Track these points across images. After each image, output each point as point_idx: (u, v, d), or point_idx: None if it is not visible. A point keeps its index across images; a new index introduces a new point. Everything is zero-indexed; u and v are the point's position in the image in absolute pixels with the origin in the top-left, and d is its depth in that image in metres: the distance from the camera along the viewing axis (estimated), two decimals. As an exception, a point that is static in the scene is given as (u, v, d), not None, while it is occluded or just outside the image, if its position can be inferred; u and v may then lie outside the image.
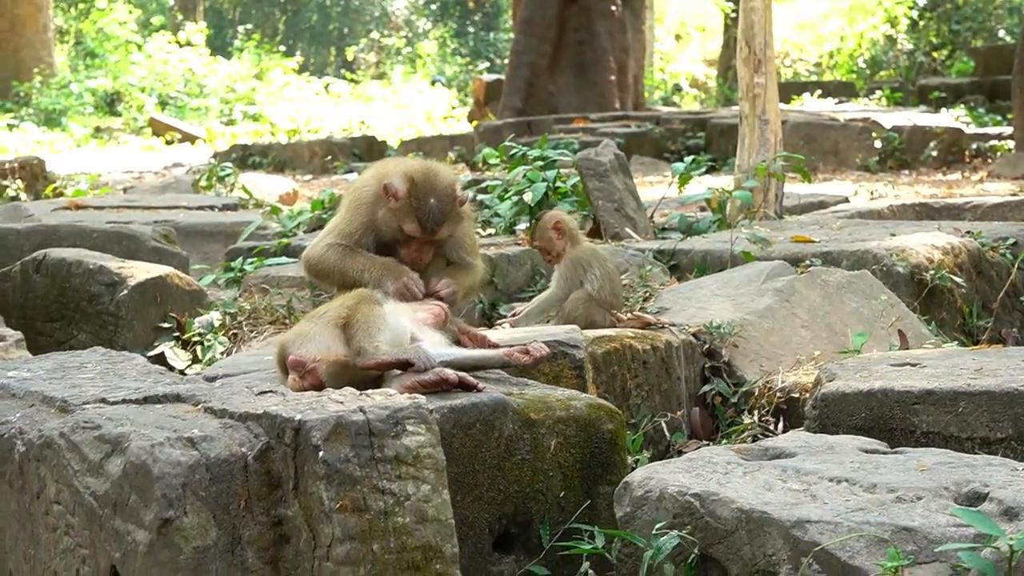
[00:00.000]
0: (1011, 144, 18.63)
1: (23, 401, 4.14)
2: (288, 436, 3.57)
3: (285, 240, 9.50)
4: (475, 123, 27.81)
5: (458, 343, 5.12)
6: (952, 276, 7.67)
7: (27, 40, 36.17)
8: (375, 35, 51.00)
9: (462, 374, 4.59)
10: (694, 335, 6.49)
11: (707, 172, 13.79)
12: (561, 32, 25.92)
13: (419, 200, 5.23)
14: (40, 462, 3.81)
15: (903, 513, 3.65)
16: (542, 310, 6.48)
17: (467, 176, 12.81)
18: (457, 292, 5.34)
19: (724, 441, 6.05)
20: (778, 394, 6.16)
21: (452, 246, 5.45)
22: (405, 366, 4.58)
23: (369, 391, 3.90)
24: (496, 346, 5.13)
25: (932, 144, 18.99)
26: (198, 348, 7.27)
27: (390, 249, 5.36)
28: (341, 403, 3.71)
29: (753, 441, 5.57)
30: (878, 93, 27.80)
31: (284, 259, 8.96)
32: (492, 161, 10.75)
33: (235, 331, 7.35)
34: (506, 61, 31.90)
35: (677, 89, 41.62)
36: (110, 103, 36.72)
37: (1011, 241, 8.41)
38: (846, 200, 12.68)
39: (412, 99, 40.08)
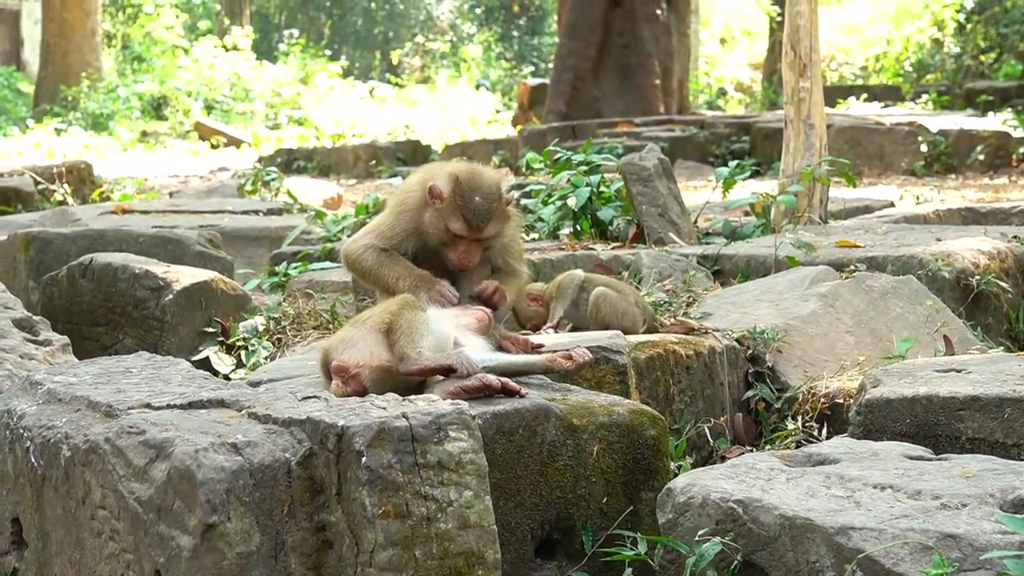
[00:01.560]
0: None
1: (69, 406, 4.16)
2: (331, 442, 3.57)
3: (329, 244, 9.53)
4: (519, 127, 27.81)
5: (500, 348, 5.12)
6: (998, 281, 7.62)
7: (75, 45, 36.42)
8: (420, 39, 51.09)
9: (505, 379, 4.59)
10: (738, 340, 6.47)
11: (751, 177, 13.76)
12: (606, 36, 25.88)
13: (464, 198, 5.25)
14: (85, 467, 3.83)
15: (948, 520, 3.63)
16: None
17: (511, 180, 12.82)
18: (505, 294, 5.34)
19: (767, 447, 6.03)
20: (822, 400, 6.13)
21: (499, 251, 5.45)
22: (448, 372, 4.59)
23: (412, 397, 3.90)
24: (539, 351, 5.13)
25: (979, 148, 18.87)
26: (242, 353, 7.30)
27: (435, 255, 5.37)
28: (384, 409, 3.71)
29: (796, 447, 5.55)
30: (924, 97, 27.65)
31: (328, 264, 8.99)
32: (536, 166, 10.77)
33: (279, 336, 7.38)
34: (550, 65, 31.91)
35: (722, 93, 41.51)
36: (157, 107, 36.92)
37: (1058, 246, 8.35)
38: (891, 205, 12.63)
39: (456, 103, 40.14)
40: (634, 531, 4.46)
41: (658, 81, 26.20)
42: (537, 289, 6.55)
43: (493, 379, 4.55)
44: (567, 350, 4.95)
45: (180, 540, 3.47)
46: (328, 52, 46.90)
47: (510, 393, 4.57)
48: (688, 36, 29.65)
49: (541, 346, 5.22)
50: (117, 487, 3.68)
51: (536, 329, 6.41)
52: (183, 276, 7.59)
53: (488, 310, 5.18)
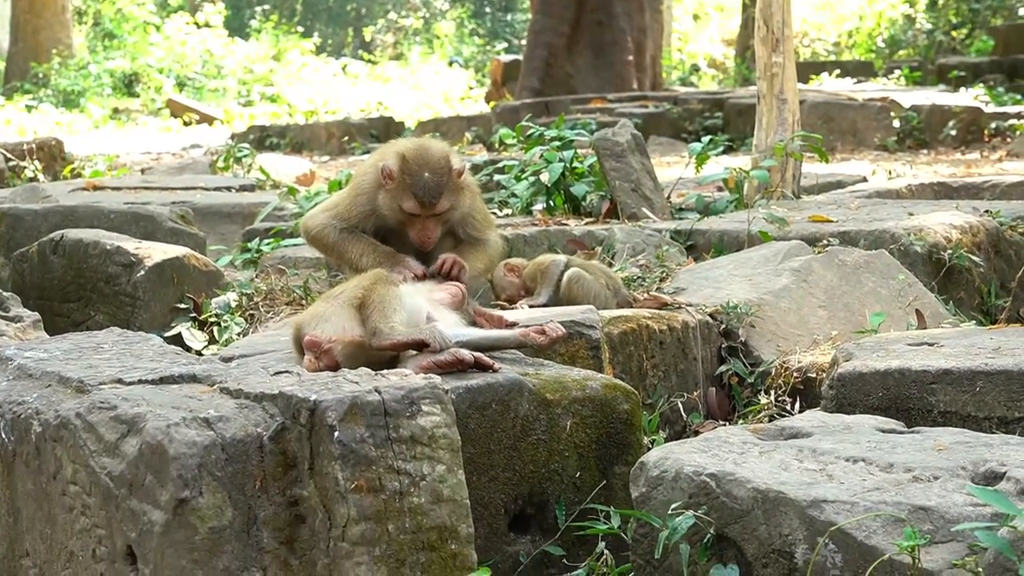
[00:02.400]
0: (1030, 123, 18.59)
1: (40, 382, 4.14)
2: (303, 416, 3.57)
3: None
4: (492, 104, 27.74)
5: (474, 324, 5.11)
6: (970, 255, 7.64)
7: (46, 21, 36.21)
8: (392, 16, 50.93)
9: (478, 354, 4.58)
10: (711, 315, 6.48)
11: (725, 152, 13.78)
12: (579, 12, 25.82)
13: (413, 176, 5.22)
14: (56, 442, 3.81)
15: (920, 493, 3.64)
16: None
17: (484, 156, 12.80)
18: (463, 265, 5.31)
19: (740, 421, 6.04)
20: (795, 374, 6.14)
21: (461, 222, 5.42)
22: (421, 346, 4.58)
23: (384, 371, 3.89)
24: (512, 326, 5.12)
25: (951, 123, 18.90)
26: (215, 329, 7.28)
27: (398, 234, 5.34)
28: (356, 383, 3.70)
29: (769, 421, 5.56)
30: (897, 72, 27.66)
31: (301, 240, 8.96)
32: (509, 141, 10.75)
33: (252, 312, 7.36)
34: (524, 42, 31.85)
35: (695, 69, 41.47)
36: (128, 84, 36.74)
37: (1030, 220, 8.37)
38: (864, 180, 12.64)
39: (429, 80, 40.04)
40: (607, 505, 4.47)
41: (631, 57, 26.16)
42: (516, 262, 6.55)
43: (466, 354, 4.55)
44: (540, 325, 4.94)
45: (152, 515, 3.46)
46: (300, 29, 46.70)
47: (483, 368, 4.57)
48: (661, 12, 29.62)
49: (515, 324, 5.21)
50: (88, 462, 3.67)
51: (511, 301, 6.41)
52: (155, 252, 7.56)
53: (461, 285, 5.17)
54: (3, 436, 4.05)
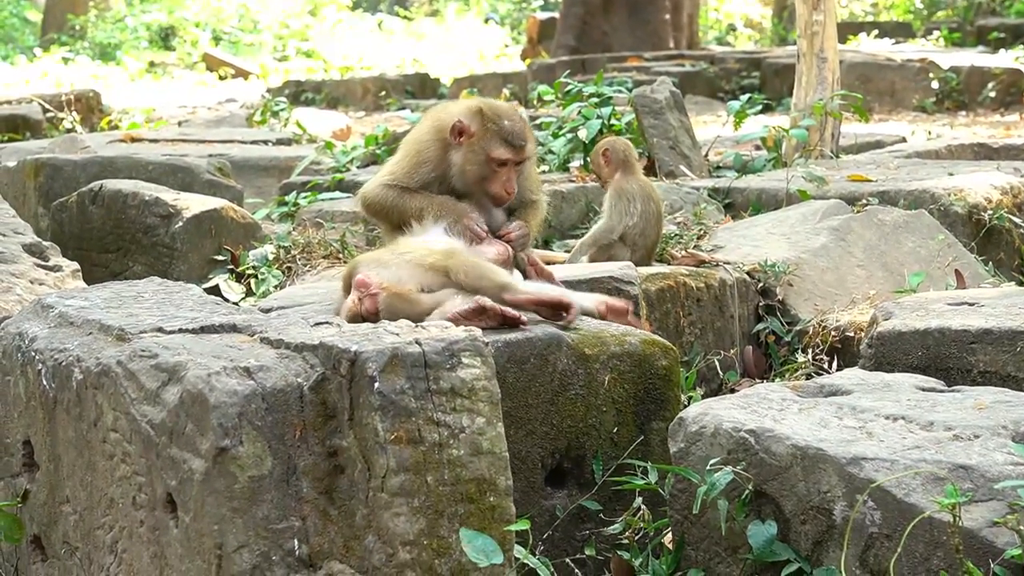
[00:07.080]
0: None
1: (81, 329, 4.15)
2: (344, 367, 3.56)
3: (339, 175, 9.51)
4: (528, 61, 27.67)
5: (523, 272, 5.12)
6: (1011, 216, 7.60)
7: (83, -26, 36.25)
8: (429, -28, 50.78)
9: (502, 307, 4.53)
10: (748, 273, 6.46)
11: (762, 112, 13.70)
12: (616, -30, 25.72)
13: (498, 124, 5.18)
14: (97, 390, 3.82)
15: (960, 451, 3.63)
16: (593, 241, 6.46)
17: (521, 112, 12.76)
18: (529, 235, 5.30)
19: (777, 380, 6.03)
20: (832, 333, 6.13)
21: (521, 184, 5.35)
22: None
23: (424, 323, 3.89)
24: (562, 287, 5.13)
25: (990, 85, 18.77)
26: (252, 281, 7.30)
27: (462, 197, 5.29)
28: (397, 335, 3.70)
29: (807, 380, 5.55)
30: (936, 33, 27.48)
31: (338, 194, 8.98)
32: (547, 98, 10.72)
33: (289, 264, 7.37)
34: (560, -1, 31.74)
35: (731, 29, 41.23)
36: (164, 38, 36.78)
37: (1071, 182, 8.32)
38: (903, 140, 12.58)
39: (465, 37, 39.91)
40: (644, 460, 4.47)
41: (668, 16, 26.04)
42: (617, 151, 6.63)
43: (488, 301, 4.51)
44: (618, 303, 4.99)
45: (192, 463, 3.47)
46: (336, -16, 46.63)
47: (511, 322, 4.53)
48: (698, -30, 29.46)
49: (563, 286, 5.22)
50: (129, 410, 3.68)
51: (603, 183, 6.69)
52: (193, 204, 7.58)
53: (508, 245, 5.14)
54: (44, 383, 4.07)
